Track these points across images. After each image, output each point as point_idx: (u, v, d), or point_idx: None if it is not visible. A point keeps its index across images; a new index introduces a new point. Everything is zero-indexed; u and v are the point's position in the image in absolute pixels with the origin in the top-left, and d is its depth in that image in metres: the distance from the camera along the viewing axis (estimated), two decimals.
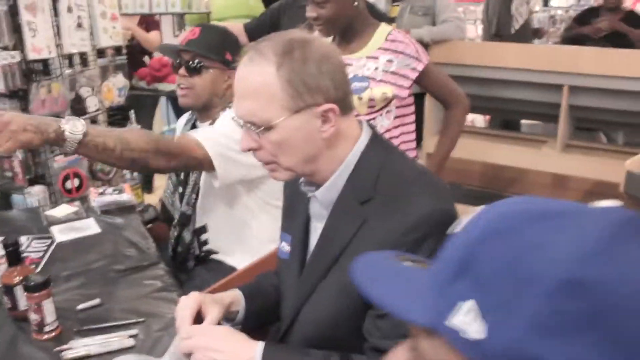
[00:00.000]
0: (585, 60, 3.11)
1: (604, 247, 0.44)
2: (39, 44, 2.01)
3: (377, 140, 1.11)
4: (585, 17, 4.38)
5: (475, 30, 6.55)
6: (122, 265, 1.61)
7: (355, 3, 1.77)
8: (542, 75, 3.23)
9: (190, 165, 1.61)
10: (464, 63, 3.44)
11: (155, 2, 2.67)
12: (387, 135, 1.84)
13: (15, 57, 2.00)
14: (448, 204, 1.03)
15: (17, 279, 1.32)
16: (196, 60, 1.77)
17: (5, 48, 2.01)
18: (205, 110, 1.85)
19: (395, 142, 1.86)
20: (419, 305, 0.51)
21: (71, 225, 1.86)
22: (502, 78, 3.37)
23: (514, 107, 3.64)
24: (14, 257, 1.34)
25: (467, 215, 0.55)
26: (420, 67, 1.76)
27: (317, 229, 1.13)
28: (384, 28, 1.81)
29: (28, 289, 1.26)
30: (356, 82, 1.77)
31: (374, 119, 1.82)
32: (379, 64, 1.76)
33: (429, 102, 3.55)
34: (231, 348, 0.99)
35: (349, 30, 1.81)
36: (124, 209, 1.97)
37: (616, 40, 3.97)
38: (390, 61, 1.75)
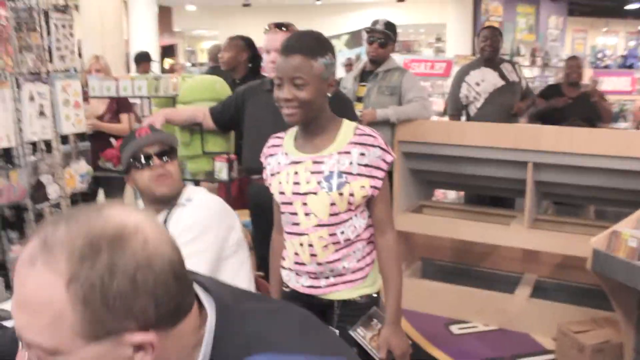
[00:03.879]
0: (547, 138, 3.19)
1: None
2: None
3: (226, 317, 0.85)
4: (550, 92, 4.56)
5: (443, 103, 6.73)
6: None
7: (328, 94, 1.75)
8: (507, 153, 3.30)
9: None
10: (430, 141, 3.51)
11: (122, 85, 2.68)
12: (360, 243, 1.79)
13: None
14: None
15: None
16: (168, 148, 1.92)
17: None
18: (170, 201, 1.95)
19: (363, 243, 1.79)
20: None
21: None
22: (468, 155, 3.43)
23: (481, 183, 3.69)
24: None
25: None
26: (389, 159, 1.73)
27: None
28: (348, 123, 1.80)
29: None
30: (334, 180, 1.72)
31: (350, 219, 1.75)
32: (352, 159, 1.72)
33: (397, 179, 3.60)
34: None
35: (313, 124, 1.76)
36: None
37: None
38: (362, 154, 1.72)
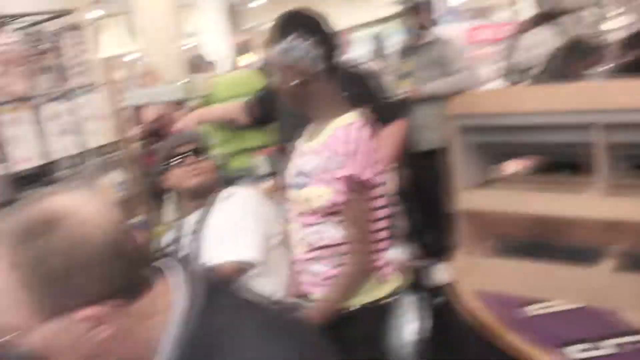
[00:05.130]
0: (618, 94, 2.87)
1: None
2: (24, 154, 2.07)
3: (197, 298, 0.88)
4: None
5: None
6: None
7: (295, 81, 1.60)
8: (571, 116, 3.00)
9: None
10: (487, 112, 3.27)
11: (157, 91, 2.72)
12: (330, 251, 1.60)
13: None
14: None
15: None
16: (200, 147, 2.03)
17: None
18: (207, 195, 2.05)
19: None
20: None
21: None
22: (528, 123, 3.16)
23: (550, 150, 3.40)
24: None
25: None
26: (344, 172, 1.51)
27: None
28: (342, 118, 1.60)
29: None
30: (298, 178, 1.62)
31: (317, 224, 1.61)
32: (319, 161, 1.57)
33: (454, 156, 3.39)
34: None
35: (308, 113, 1.67)
36: None
37: None
38: (329, 159, 1.55)
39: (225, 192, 2.03)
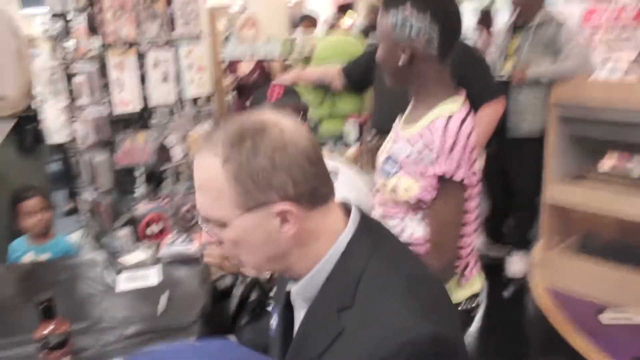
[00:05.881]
0: None
1: None
2: (126, 98, 2.17)
3: (364, 233, 0.97)
4: None
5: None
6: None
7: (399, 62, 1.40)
8: None
9: None
10: (592, 104, 3.07)
11: (256, 47, 2.74)
12: (415, 248, 1.46)
13: (103, 112, 2.17)
14: (428, 325, 0.86)
15: (45, 334, 1.39)
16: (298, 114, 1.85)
17: (97, 103, 2.20)
18: None
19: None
20: None
21: (135, 275, 1.94)
22: (636, 121, 2.95)
23: None
24: (47, 312, 1.42)
25: None
26: (436, 170, 1.36)
27: (298, 318, 1.04)
28: (445, 107, 1.40)
29: (44, 347, 1.32)
30: (388, 164, 1.47)
31: (400, 217, 1.48)
32: (412, 151, 1.41)
33: (551, 145, 3.22)
34: None
35: (410, 92, 1.49)
36: (187, 261, 2.02)
37: None
38: (421, 151, 1.39)
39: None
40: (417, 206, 1.43)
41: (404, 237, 1.47)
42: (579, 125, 3.23)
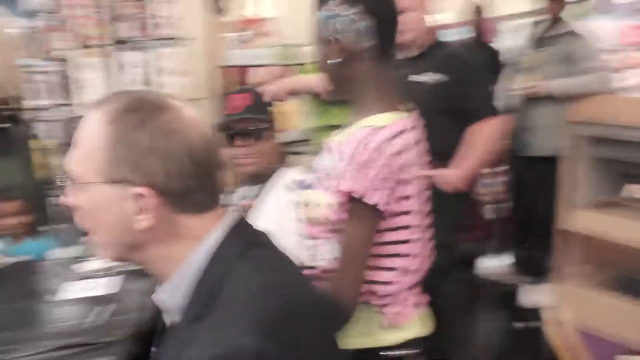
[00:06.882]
0: None
1: None
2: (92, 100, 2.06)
3: (235, 239, 0.90)
4: None
5: None
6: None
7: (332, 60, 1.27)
8: None
9: None
10: (619, 123, 2.81)
11: (255, 53, 2.63)
12: (321, 275, 1.28)
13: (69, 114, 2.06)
14: (258, 338, 0.77)
15: None
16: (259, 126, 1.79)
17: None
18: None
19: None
20: None
21: (83, 284, 1.83)
22: None
23: None
24: None
25: None
26: (342, 185, 1.19)
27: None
28: (375, 117, 1.25)
29: None
30: (308, 175, 1.36)
31: (313, 238, 1.30)
32: (329, 162, 1.26)
33: (569, 168, 2.97)
34: None
35: (355, 99, 1.32)
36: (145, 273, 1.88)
37: None
38: (337, 163, 1.24)
39: (290, 178, 1.78)
40: (331, 227, 1.25)
41: (317, 262, 1.28)
42: (606, 146, 2.97)
